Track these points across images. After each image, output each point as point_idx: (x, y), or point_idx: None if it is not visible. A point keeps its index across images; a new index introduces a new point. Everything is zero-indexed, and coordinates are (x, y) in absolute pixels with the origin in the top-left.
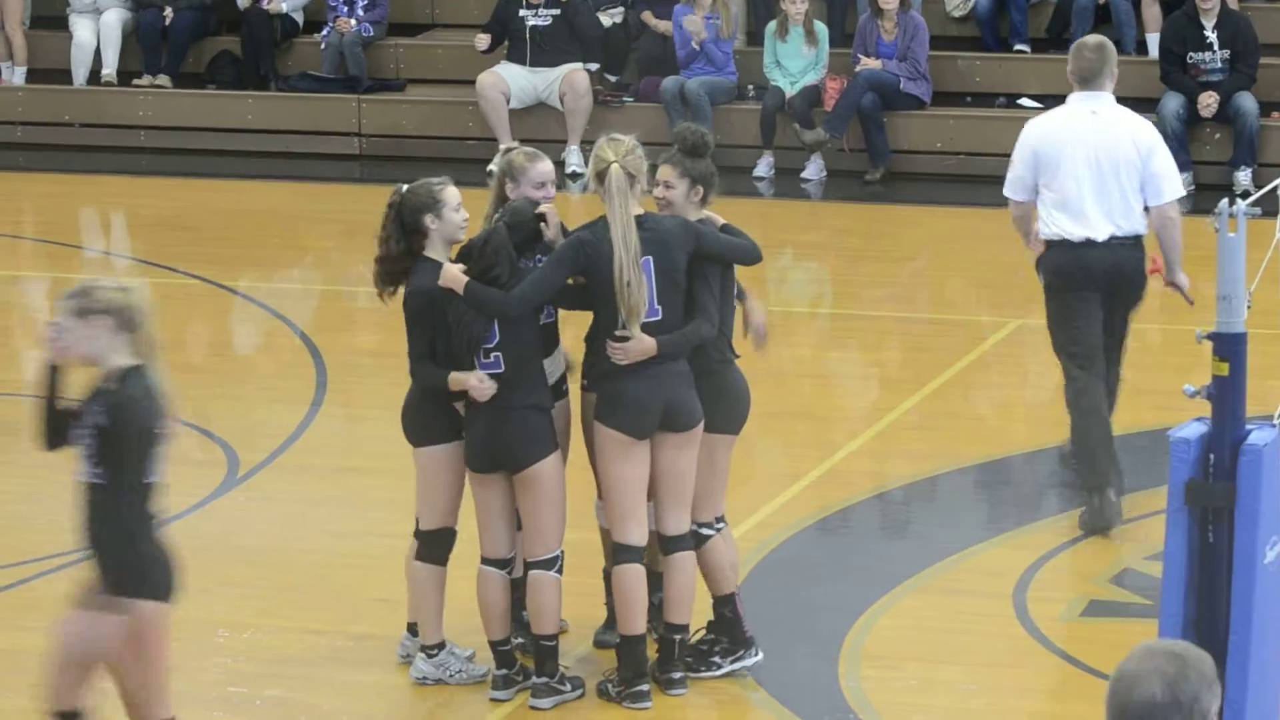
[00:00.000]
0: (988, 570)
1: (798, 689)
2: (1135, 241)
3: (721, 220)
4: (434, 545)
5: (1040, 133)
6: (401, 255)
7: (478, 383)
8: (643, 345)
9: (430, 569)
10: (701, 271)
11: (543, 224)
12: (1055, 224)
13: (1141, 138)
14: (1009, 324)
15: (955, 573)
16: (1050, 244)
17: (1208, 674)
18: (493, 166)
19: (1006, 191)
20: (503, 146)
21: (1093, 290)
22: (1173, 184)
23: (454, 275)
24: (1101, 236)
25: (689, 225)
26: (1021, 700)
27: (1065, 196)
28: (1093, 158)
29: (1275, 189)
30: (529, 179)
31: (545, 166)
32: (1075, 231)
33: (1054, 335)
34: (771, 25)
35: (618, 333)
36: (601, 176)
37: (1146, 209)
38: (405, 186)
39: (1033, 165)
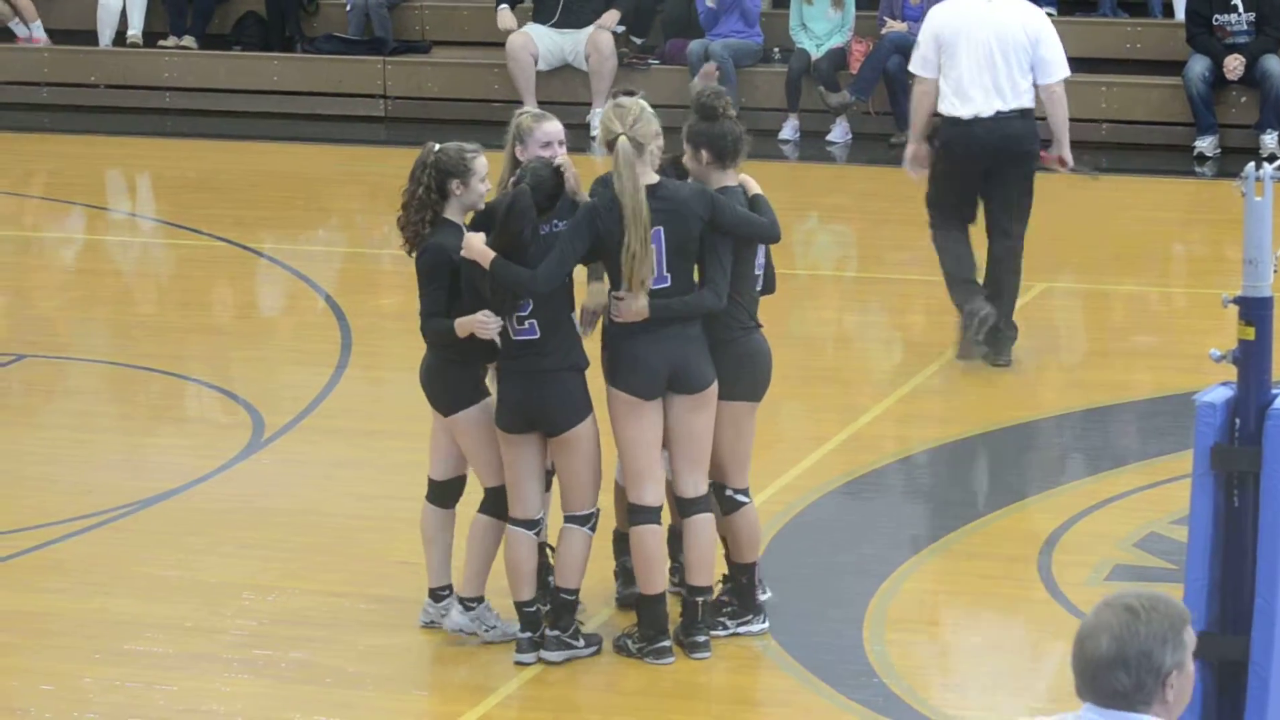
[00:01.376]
0: (1012, 534)
1: (822, 652)
2: (1021, 114)
3: (755, 189)
4: (498, 501)
5: (942, 18)
6: (425, 214)
7: (484, 318)
8: (636, 306)
9: (492, 523)
10: (713, 243)
11: (566, 176)
12: (950, 101)
13: (1031, 24)
14: (1034, 287)
15: (980, 537)
16: (945, 119)
17: (1160, 629)
18: None
19: (913, 68)
20: (517, 112)
21: (976, 163)
22: (1058, 66)
23: (480, 249)
24: (988, 113)
25: (705, 194)
26: (1046, 664)
27: (960, 76)
28: (985, 41)
29: None
30: (535, 139)
31: (552, 126)
32: (965, 110)
33: (930, 188)
34: None
35: (615, 292)
36: (611, 147)
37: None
38: (437, 146)
39: (935, 47)
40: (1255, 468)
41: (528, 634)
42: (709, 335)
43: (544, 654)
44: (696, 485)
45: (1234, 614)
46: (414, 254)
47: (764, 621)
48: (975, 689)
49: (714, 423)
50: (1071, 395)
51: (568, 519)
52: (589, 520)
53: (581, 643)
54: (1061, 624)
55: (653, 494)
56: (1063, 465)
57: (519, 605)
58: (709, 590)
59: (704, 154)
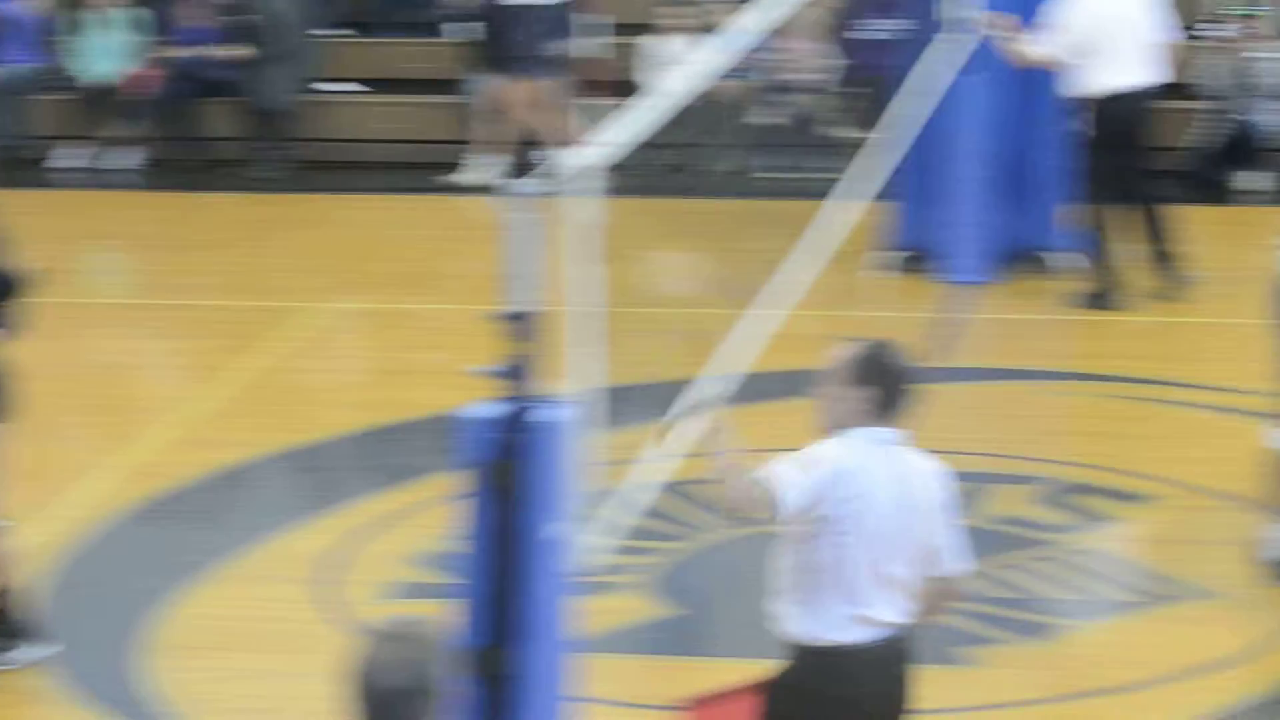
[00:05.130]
0: (292, 556)
1: (96, 681)
2: None
3: None
4: None
5: None
6: None
7: None
8: None
9: None
10: None
11: None
12: None
13: None
14: (323, 308)
15: (258, 559)
16: None
17: (439, 648)
18: None
19: None
20: None
21: None
22: None
23: None
24: None
25: None
26: (324, 685)
27: None
28: None
29: (546, 169)
30: None
31: None
32: None
33: None
34: None
35: None
36: None
37: None
38: None
39: None
40: (516, 482)
41: None
42: None
43: None
44: None
45: (500, 625)
46: None
47: (44, 649)
48: (254, 714)
49: None
50: (357, 414)
51: None
52: None
53: None
54: (341, 644)
55: None
56: (347, 485)
57: None
58: None
59: None
